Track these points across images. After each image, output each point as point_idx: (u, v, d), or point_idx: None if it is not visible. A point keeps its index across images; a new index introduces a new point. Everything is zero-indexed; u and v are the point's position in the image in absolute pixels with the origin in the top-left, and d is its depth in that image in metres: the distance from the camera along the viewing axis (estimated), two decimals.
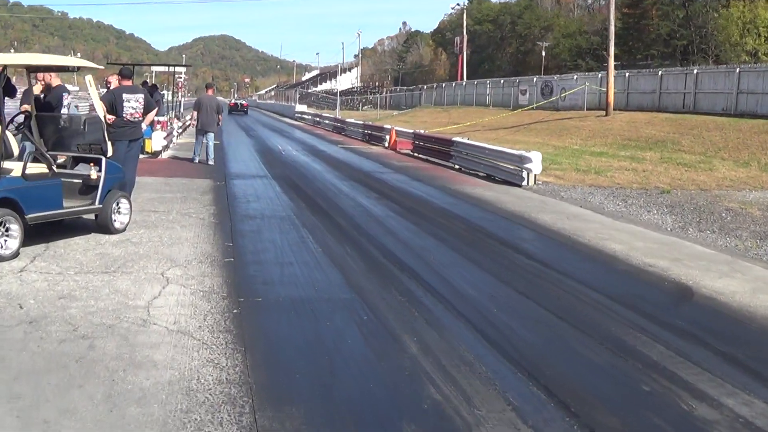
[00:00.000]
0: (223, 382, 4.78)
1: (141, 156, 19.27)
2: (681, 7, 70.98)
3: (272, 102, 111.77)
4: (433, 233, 10.48)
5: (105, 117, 10.47)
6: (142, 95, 11.09)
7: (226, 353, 5.30)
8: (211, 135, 19.11)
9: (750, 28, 61.11)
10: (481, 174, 18.75)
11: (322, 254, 8.69)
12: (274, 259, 8.41)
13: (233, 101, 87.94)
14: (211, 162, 18.70)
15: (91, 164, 9.05)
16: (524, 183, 16.72)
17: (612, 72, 34.09)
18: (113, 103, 10.66)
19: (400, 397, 4.72)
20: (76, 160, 9.32)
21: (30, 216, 7.91)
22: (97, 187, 8.92)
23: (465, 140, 20.99)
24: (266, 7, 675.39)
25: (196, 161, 18.91)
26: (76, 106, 11.21)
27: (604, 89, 37.17)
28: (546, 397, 4.80)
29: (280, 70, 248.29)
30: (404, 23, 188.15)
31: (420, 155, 24.16)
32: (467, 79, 67.18)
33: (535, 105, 41.34)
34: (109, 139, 9.92)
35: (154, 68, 34.33)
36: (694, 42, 68.79)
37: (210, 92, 20.45)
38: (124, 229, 9.28)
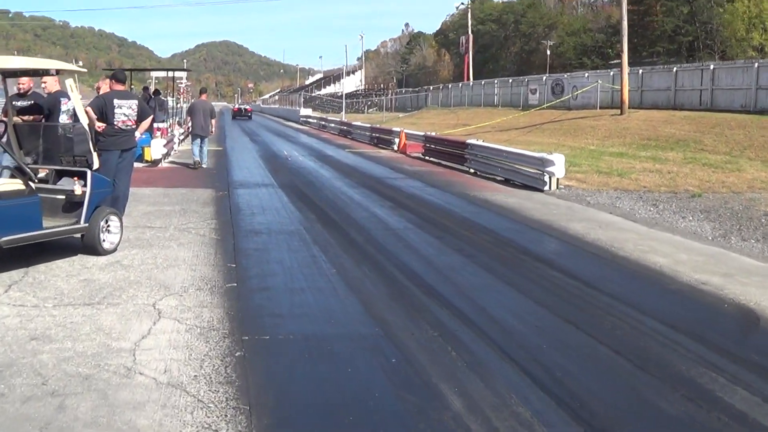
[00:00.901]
0: None
1: (140, 165, 18.45)
2: (685, 2, 70.14)
3: (276, 107, 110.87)
4: (459, 248, 9.44)
5: (94, 125, 9.53)
6: (136, 101, 10.08)
7: (226, 415, 4.29)
8: (206, 139, 19.49)
9: (756, 22, 60.37)
10: (498, 178, 17.74)
11: (338, 277, 7.65)
12: (282, 284, 7.38)
13: (237, 106, 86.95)
14: (204, 165, 19.11)
15: (75, 178, 8.05)
16: (546, 188, 15.71)
17: (626, 69, 32.98)
18: (103, 110, 9.65)
19: None
20: (60, 174, 8.33)
21: (3, 239, 6.93)
22: (82, 203, 7.92)
23: (480, 143, 19.97)
24: (268, 12, 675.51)
25: (196, 158, 18.97)
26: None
27: (617, 87, 36.11)
28: None
29: (283, 74, 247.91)
30: (407, 25, 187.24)
31: (432, 159, 23.13)
32: (466, 79, 66.20)
33: (546, 105, 40.21)
34: (98, 149, 8.95)
35: (154, 74, 33.27)
36: (700, 38, 68.02)
37: (203, 97, 20.85)
38: (114, 250, 8.29)
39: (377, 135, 31.70)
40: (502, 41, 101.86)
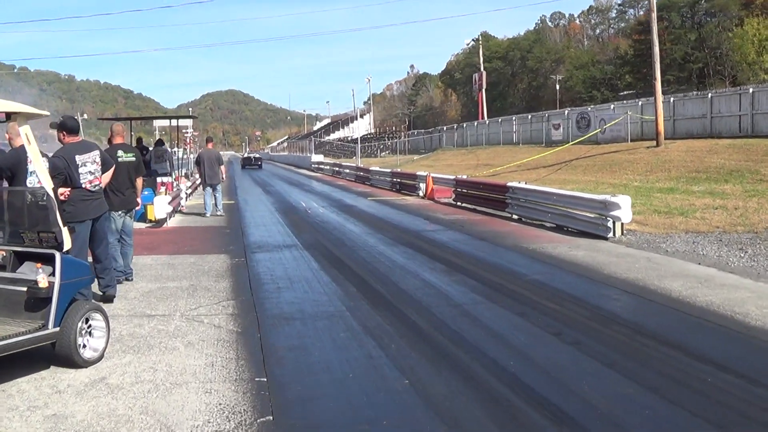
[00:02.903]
0: None
1: (143, 225, 16.33)
2: (693, 29, 68.95)
3: (286, 154, 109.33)
4: (555, 331, 7.15)
5: (57, 190, 7.41)
6: (98, 152, 7.87)
7: None
8: (218, 186, 19.77)
9: (766, 45, 58.77)
10: (548, 225, 15.53)
11: (413, 394, 5.32)
12: (339, 413, 5.04)
13: (246, 155, 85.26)
14: (219, 212, 19.47)
15: (38, 265, 5.83)
16: (610, 234, 13.50)
17: (660, 98, 30.87)
18: (66, 171, 7.50)
19: None
20: (21, 257, 6.13)
21: None
22: (49, 299, 5.71)
23: (524, 185, 17.77)
24: (272, 60, 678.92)
25: (208, 215, 19.06)
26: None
27: (646, 117, 34.21)
28: None
29: (290, 121, 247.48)
30: (412, 66, 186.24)
31: (465, 204, 20.94)
32: (481, 118, 64.39)
33: (571, 141, 37.90)
34: (67, 221, 6.74)
35: (157, 123, 31.39)
36: (710, 64, 66.75)
37: (210, 146, 21.33)
38: (99, 358, 6.11)
39: (399, 180, 29.52)
40: (509, 78, 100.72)
